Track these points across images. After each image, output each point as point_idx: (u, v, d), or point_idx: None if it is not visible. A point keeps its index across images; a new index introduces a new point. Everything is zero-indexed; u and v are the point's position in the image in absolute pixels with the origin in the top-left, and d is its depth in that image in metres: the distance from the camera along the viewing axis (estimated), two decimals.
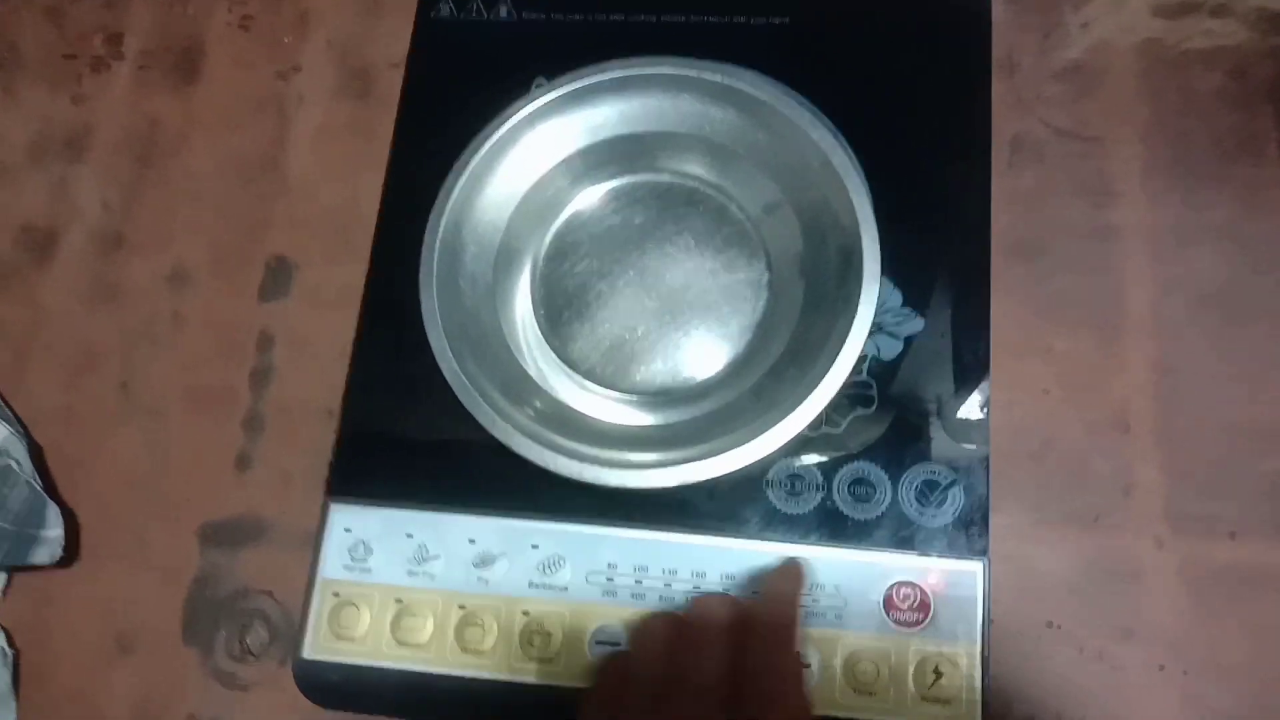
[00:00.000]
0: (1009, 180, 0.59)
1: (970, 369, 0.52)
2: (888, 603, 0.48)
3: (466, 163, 0.51)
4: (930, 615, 0.48)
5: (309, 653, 0.50)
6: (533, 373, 0.52)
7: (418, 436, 0.52)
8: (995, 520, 0.50)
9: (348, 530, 0.51)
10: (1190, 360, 0.56)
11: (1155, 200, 0.59)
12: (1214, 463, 0.55)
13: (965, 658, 0.47)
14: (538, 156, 0.53)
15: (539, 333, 0.53)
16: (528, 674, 0.48)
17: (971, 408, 0.51)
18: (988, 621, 0.48)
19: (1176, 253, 0.58)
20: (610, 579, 0.49)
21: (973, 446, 0.50)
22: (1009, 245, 0.58)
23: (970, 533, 0.49)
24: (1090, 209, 0.59)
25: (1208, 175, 0.59)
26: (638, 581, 0.49)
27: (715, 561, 0.49)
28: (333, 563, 0.51)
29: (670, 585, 0.49)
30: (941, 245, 0.54)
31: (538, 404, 0.50)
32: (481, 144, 0.51)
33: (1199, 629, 0.52)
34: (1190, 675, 0.52)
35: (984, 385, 0.51)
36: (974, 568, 0.48)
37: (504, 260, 0.53)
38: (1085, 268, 0.58)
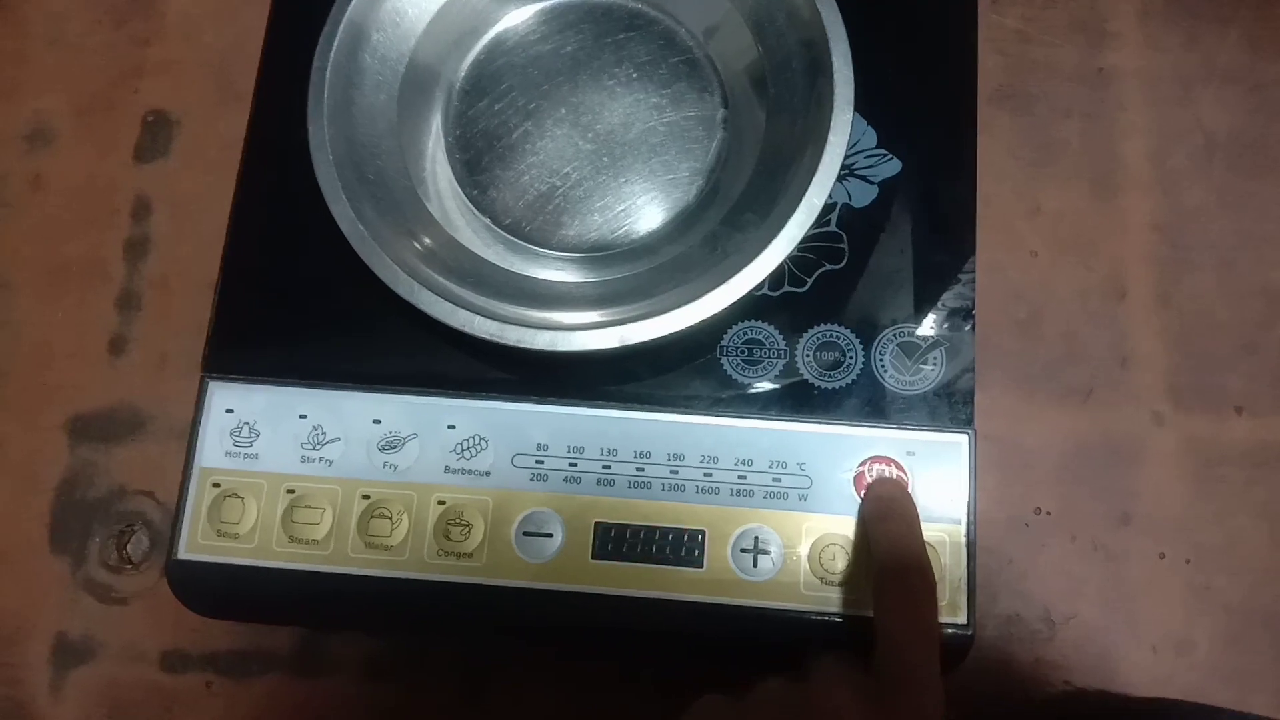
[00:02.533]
0: (993, 18, 0.53)
1: (953, 222, 0.45)
2: (859, 481, 0.42)
3: None
4: None
5: (185, 552, 0.42)
6: (444, 224, 0.44)
7: (310, 300, 0.45)
8: (978, 396, 0.43)
9: (229, 411, 0.43)
10: (1194, 219, 0.50)
11: (1155, 41, 0.53)
12: (1219, 331, 0.49)
13: (948, 543, 0.41)
14: None
15: (453, 180, 0.45)
16: (444, 571, 0.41)
17: (955, 266, 0.44)
18: (974, 502, 0.41)
19: (1179, 99, 0.52)
20: (540, 461, 0.42)
21: (955, 303, 0.44)
22: (993, 91, 0.52)
23: (954, 401, 0.43)
24: (1083, 51, 0.53)
25: (1212, 14, 0.53)
26: (572, 465, 0.42)
27: (662, 440, 0.42)
28: (212, 449, 0.43)
29: (610, 468, 0.42)
30: (921, 83, 0.47)
31: (450, 260, 0.43)
32: None
33: (1203, 513, 0.47)
34: (1194, 564, 0.46)
35: (969, 240, 0.45)
36: (958, 440, 0.42)
37: (411, 92, 0.45)
38: (1078, 116, 0.52)
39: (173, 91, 0.54)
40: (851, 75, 0.41)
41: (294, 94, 0.43)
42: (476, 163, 0.45)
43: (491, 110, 0.45)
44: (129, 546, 0.49)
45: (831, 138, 0.40)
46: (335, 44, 0.42)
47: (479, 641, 0.46)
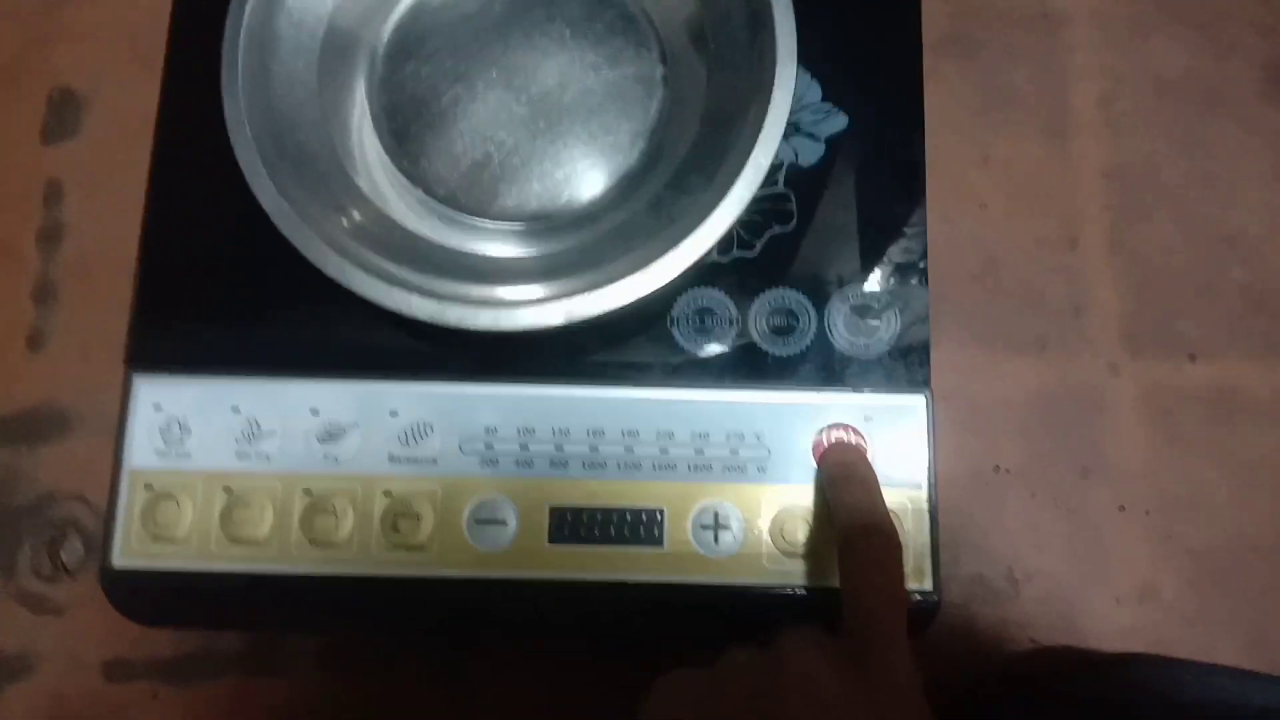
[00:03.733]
0: None
1: (903, 176, 0.44)
2: (818, 449, 0.41)
3: None
4: None
5: (120, 560, 0.40)
6: (375, 198, 0.42)
7: (237, 284, 0.42)
8: (934, 353, 0.43)
9: (157, 408, 0.41)
10: (1145, 163, 0.50)
11: None
12: (1174, 277, 0.48)
13: (910, 506, 0.40)
14: None
15: (381, 150, 0.43)
16: (394, 565, 0.40)
17: (906, 221, 0.43)
18: (934, 464, 0.41)
19: (1127, 40, 0.51)
20: (489, 445, 0.41)
21: (907, 260, 0.43)
22: (938, 38, 0.50)
23: (909, 362, 0.42)
24: None
25: None
26: (523, 447, 0.41)
27: (614, 416, 0.41)
28: (141, 449, 0.41)
29: (562, 448, 0.41)
30: (865, 32, 0.45)
31: (383, 236, 0.41)
32: None
33: (1162, 462, 0.47)
34: (1154, 514, 0.46)
35: (919, 191, 0.44)
36: (915, 402, 0.41)
37: (331, 58, 0.42)
38: (1025, 61, 0.50)
39: (80, 63, 0.51)
40: (794, 27, 0.39)
41: (207, 64, 0.40)
42: (405, 131, 0.43)
43: (419, 75, 0.43)
44: (62, 554, 0.47)
45: (776, 93, 0.38)
46: (248, 9, 0.39)
47: (436, 636, 0.45)
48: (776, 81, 0.38)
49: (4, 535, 0.47)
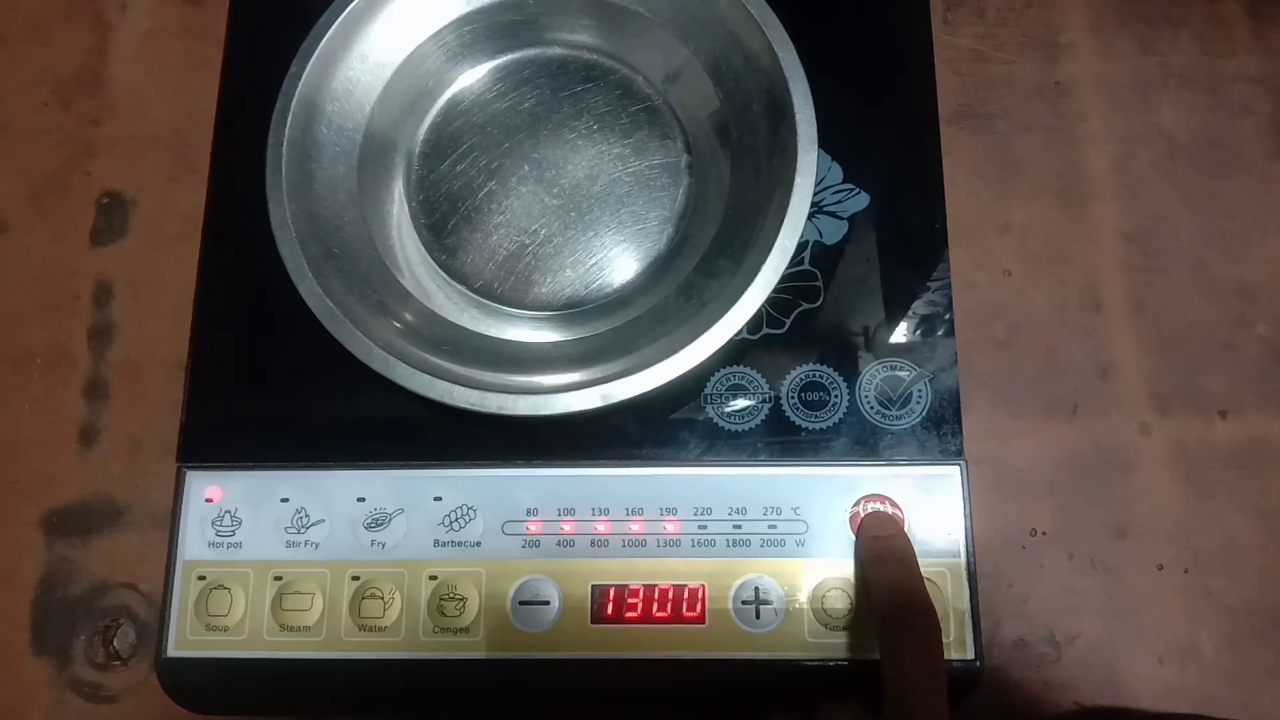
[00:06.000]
0: (946, 39, 0.53)
1: (926, 248, 0.45)
2: (856, 521, 0.41)
3: (315, 43, 0.42)
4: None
5: (174, 649, 0.41)
6: (415, 292, 0.44)
7: (283, 379, 0.44)
8: (965, 420, 0.43)
9: (209, 500, 0.42)
10: (1162, 223, 0.50)
11: (1108, 49, 0.53)
12: (1197, 334, 0.49)
13: (949, 575, 0.41)
14: (402, 31, 0.44)
15: (420, 245, 0.44)
16: (441, 649, 0.41)
17: (931, 292, 0.44)
18: (971, 532, 0.41)
19: (1137, 104, 0.52)
20: (531, 527, 0.42)
21: (934, 330, 0.44)
22: (951, 111, 0.52)
23: (942, 432, 0.42)
24: (1039, 65, 0.53)
25: (1162, 18, 0.53)
26: (563, 528, 0.42)
27: (652, 495, 0.42)
28: (194, 540, 0.42)
29: (603, 528, 0.41)
30: (882, 112, 0.47)
31: (423, 329, 0.42)
32: (332, 19, 0.42)
33: (1197, 520, 0.47)
34: (1193, 572, 0.46)
35: (943, 264, 0.45)
36: (950, 472, 0.42)
37: (370, 160, 0.44)
38: (1038, 130, 0.52)
39: (126, 170, 0.53)
40: (813, 115, 0.40)
41: (251, 168, 0.42)
42: (443, 227, 0.44)
43: (453, 172, 0.45)
44: (115, 642, 0.48)
45: (798, 179, 0.40)
46: (289, 119, 0.41)
47: (482, 718, 0.45)
48: (799, 168, 0.40)
49: (59, 624, 0.48)
